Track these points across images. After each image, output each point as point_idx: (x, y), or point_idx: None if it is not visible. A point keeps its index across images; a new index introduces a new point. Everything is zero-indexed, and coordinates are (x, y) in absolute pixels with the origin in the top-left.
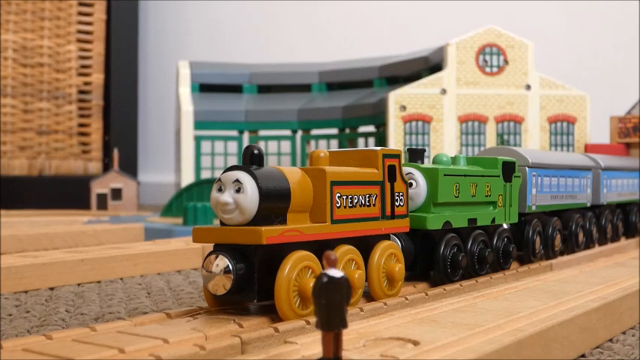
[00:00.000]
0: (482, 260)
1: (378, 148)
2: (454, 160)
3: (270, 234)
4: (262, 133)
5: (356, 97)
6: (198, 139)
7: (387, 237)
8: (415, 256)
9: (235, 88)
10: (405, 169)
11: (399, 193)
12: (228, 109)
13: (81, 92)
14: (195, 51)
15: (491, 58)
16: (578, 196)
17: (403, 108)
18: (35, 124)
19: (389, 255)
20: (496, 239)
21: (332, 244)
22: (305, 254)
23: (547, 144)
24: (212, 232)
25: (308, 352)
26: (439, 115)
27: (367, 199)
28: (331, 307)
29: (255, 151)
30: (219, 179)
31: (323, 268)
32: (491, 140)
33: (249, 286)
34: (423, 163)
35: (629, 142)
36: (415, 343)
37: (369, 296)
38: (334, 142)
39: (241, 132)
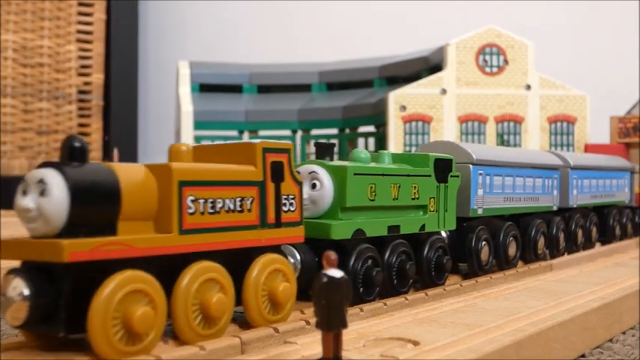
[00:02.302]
0: (402, 275)
1: (258, 141)
2: (376, 157)
3: (76, 248)
4: (262, 133)
5: (356, 97)
6: (198, 139)
7: (275, 249)
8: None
9: (235, 88)
10: (309, 167)
11: (288, 195)
12: (228, 109)
13: (81, 92)
14: (195, 51)
15: (491, 58)
16: (542, 199)
17: (403, 108)
18: (35, 124)
19: (272, 271)
20: (427, 249)
21: (185, 259)
22: (133, 274)
23: (547, 144)
24: (20, 246)
25: (308, 352)
26: (439, 115)
27: (239, 204)
28: (331, 307)
29: (76, 144)
30: (24, 179)
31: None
32: (491, 140)
33: (56, 315)
34: (332, 160)
35: (629, 142)
36: (415, 343)
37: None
38: (334, 143)
39: (241, 132)
